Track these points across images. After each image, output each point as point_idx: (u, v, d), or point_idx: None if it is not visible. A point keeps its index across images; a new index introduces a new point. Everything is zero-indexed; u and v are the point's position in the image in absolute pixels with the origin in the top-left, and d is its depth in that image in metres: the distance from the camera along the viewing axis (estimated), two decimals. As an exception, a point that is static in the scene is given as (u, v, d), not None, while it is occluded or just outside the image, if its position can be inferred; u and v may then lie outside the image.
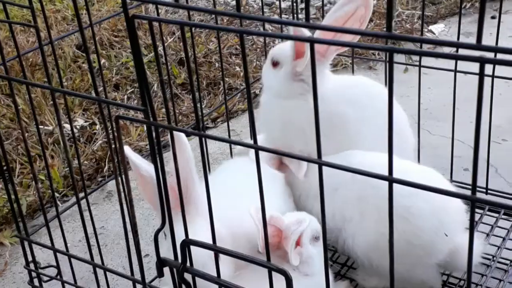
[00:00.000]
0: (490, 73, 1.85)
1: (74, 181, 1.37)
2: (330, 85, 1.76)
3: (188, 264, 1.13)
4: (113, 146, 1.35)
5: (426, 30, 3.47)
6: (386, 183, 0.85)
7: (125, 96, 3.22)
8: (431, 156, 2.15)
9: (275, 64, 1.78)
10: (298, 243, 1.50)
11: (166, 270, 1.19)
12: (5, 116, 3.06)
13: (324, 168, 0.90)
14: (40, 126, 2.92)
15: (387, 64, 0.76)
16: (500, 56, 0.70)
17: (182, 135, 1.29)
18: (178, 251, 1.15)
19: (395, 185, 0.85)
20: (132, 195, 1.13)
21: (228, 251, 1.09)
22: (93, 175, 2.66)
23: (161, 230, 1.15)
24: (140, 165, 1.30)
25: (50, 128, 2.94)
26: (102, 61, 3.55)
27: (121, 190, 1.23)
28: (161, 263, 1.16)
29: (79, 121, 3.05)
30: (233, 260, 1.37)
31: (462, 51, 0.74)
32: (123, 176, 1.14)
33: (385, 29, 3.60)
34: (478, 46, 0.69)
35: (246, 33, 0.82)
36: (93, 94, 3.00)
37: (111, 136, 1.58)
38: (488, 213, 1.99)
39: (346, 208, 1.63)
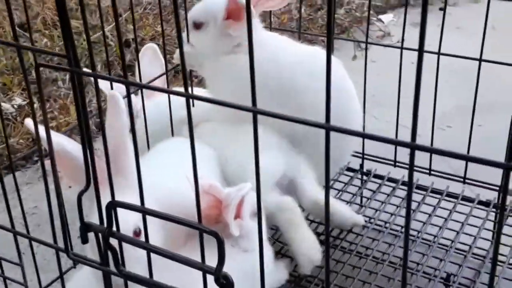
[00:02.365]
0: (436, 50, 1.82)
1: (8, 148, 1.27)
2: (288, 51, 1.72)
3: (114, 228, 1.05)
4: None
5: (375, 19, 3.46)
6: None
7: (67, 76, 3.09)
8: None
9: (198, 26, 1.72)
10: (238, 216, 1.45)
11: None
12: None
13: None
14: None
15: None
16: None
17: (118, 95, 1.20)
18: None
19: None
20: (53, 150, 1.04)
21: (157, 213, 1.02)
22: (28, 155, 2.54)
23: (85, 192, 1.06)
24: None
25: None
26: (44, 40, 3.41)
27: (42, 144, 1.14)
28: (85, 228, 1.08)
29: (17, 100, 2.92)
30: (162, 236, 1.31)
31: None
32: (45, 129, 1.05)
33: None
34: None
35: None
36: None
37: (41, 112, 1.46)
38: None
39: None
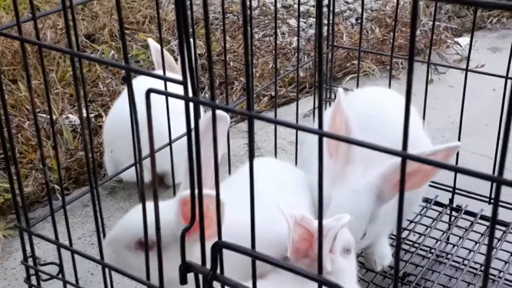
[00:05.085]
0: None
1: (88, 165, 1.21)
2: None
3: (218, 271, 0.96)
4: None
5: (452, 42, 3.31)
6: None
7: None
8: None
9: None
10: (330, 250, 1.35)
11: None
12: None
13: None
14: (43, 115, 2.76)
15: None
16: None
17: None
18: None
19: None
20: (157, 185, 0.96)
21: (270, 259, 0.92)
22: (97, 170, 2.49)
23: (189, 229, 0.98)
24: None
25: (54, 117, 2.77)
26: (112, 52, 3.39)
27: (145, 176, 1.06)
28: (186, 268, 0.99)
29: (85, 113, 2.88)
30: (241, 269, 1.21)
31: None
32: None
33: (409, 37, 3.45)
34: None
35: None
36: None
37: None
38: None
39: None
